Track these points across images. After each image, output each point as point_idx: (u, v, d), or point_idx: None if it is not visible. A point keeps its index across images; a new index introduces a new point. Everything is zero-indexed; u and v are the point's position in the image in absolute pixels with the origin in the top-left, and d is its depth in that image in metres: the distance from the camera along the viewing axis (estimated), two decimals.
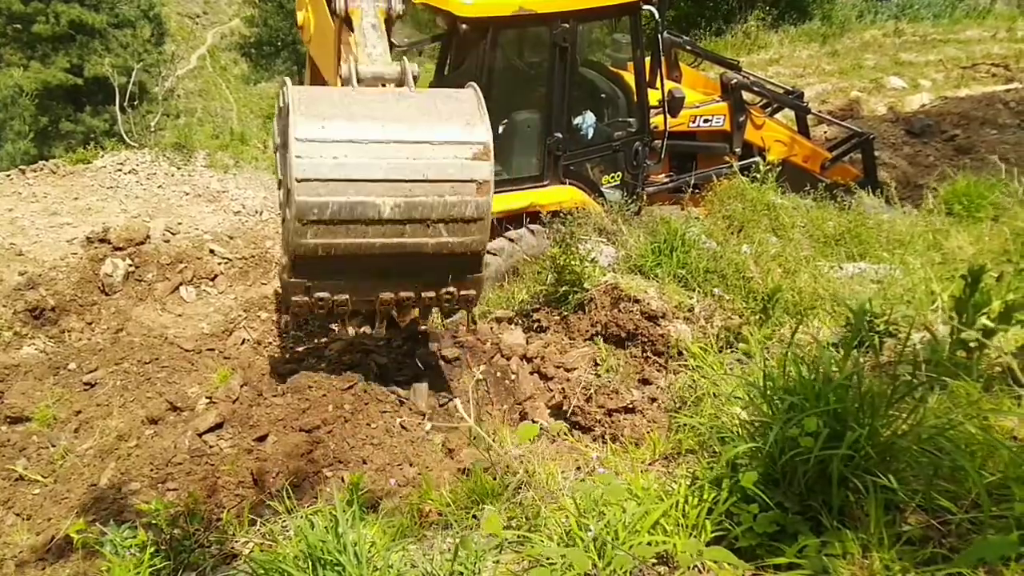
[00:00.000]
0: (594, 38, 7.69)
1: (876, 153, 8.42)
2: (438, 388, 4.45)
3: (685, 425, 3.16)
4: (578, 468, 3.15)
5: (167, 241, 6.98)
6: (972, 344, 2.63)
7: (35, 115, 24.73)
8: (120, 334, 5.84)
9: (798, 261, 4.96)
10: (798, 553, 2.04)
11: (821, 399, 2.19)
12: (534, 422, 4.13)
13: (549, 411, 4.25)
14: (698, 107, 6.92)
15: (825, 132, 10.12)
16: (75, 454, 4.29)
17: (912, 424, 2.13)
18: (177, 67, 35.06)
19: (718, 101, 7.06)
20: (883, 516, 1.98)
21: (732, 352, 3.83)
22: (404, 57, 4.00)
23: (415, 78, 3.83)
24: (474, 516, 2.86)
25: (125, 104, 23.51)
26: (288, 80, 3.76)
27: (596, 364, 4.28)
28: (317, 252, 3.67)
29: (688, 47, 7.70)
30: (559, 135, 5.92)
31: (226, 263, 6.89)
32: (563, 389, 4.22)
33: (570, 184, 6.10)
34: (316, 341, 5.05)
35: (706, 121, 6.95)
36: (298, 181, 3.46)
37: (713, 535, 2.21)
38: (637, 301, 4.31)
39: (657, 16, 6.17)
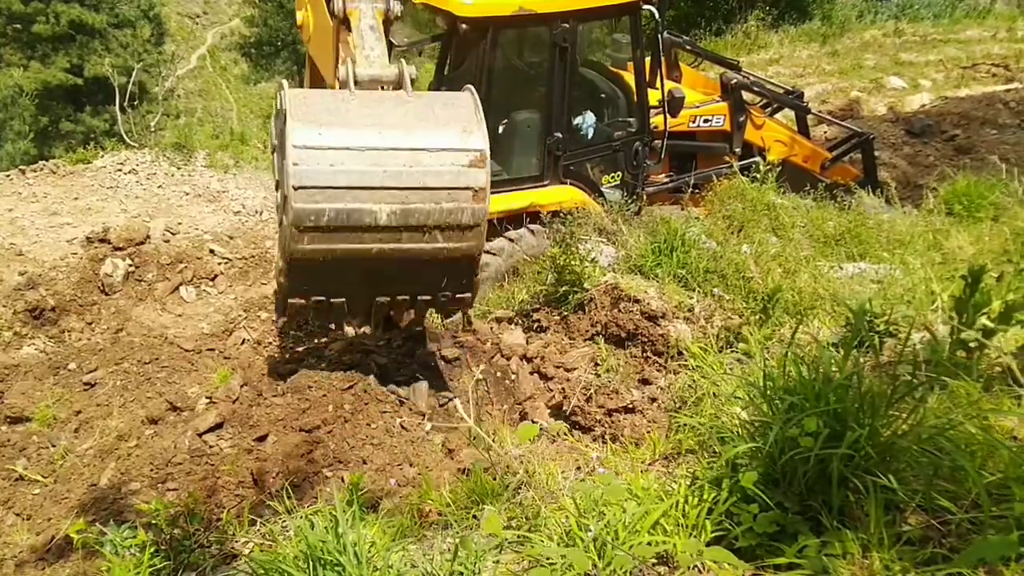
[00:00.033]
0: (594, 38, 7.69)
1: (876, 153, 8.42)
2: (438, 388, 4.44)
3: (685, 425, 3.16)
4: (578, 468, 3.15)
5: (167, 241, 6.98)
6: (972, 344, 2.63)
7: (35, 115, 24.73)
8: (120, 334, 5.83)
9: (798, 261, 4.96)
10: (798, 553, 2.04)
11: (821, 399, 2.19)
12: (534, 422, 4.13)
13: (549, 411, 4.25)
14: (698, 107, 6.92)
15: (825, 132, 10.12)
16: (75, 454, 4.28)
17: (912, 424, 2.13)
18: (177, 67, 35.05)
19: (718, 101, 7.06)
20: (883, 516, 1.98)
21: (732, 352, 3.83)
22: (402, 59, 4.01)
23: (413, 80, 3.83)
24: (474, 516, 2.86)
25: (125, 104, 23.50)
26: (285, 83, 3.76)
27: (596, 364, 4.28)
28: (313, 257, 3.69)
29: (688, 47, 7.70)
30: (559, 135, 5.92)
31: (226, 263, 6.89)
32: (563, 389, 4.22)
33: (570, 184, 6.10)
34: (316, 341, 5.05)
35: (706, 121, 6.95)
36: (295, 189, 3.47)
37: (713, 535, 2.21)
38: (637, 301, 4.31)
39: (657, 16, 6.17)
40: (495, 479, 3.08)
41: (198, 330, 5.92)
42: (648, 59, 6.47)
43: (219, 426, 4.05)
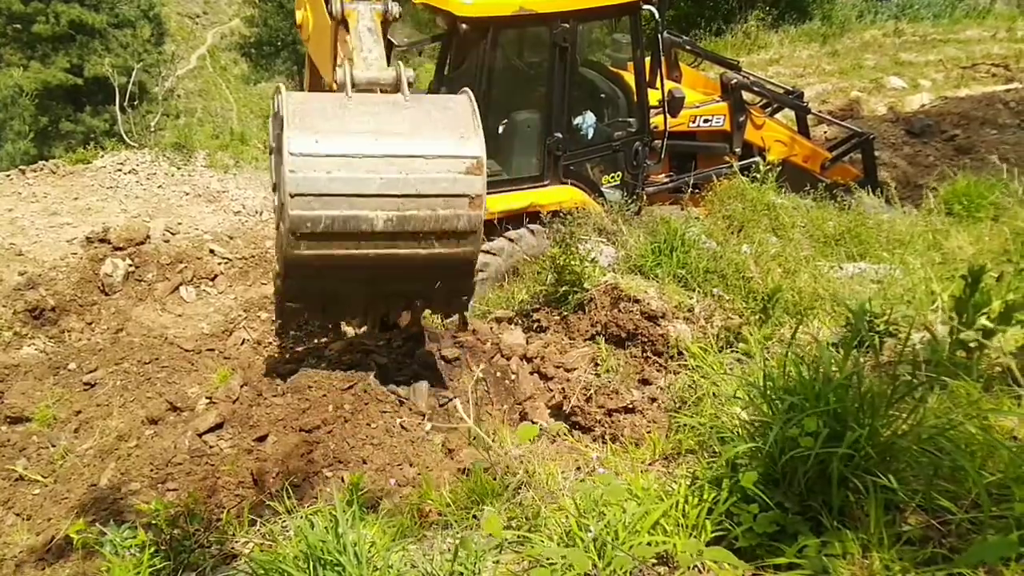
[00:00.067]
0: (594, 38, 7.70)
1: (876, 153, 8.42)
2: (438, 388, 4.44)
3: (685, 425, 3.16)
4: (578, 468, 3.15)
5: (167, 241, 6.98)
6: (972, 344, 2.63)
7: (35, 115, 24.74)
8: (120, 334, 5.84)
9: (798, 261, 4.96)
10: (798, 553, 2.04)
11: (821, 399, 2.19)
12: (534, 422, 4.13)
13: (549, 411, 4.25)
14: (698, 107, 6.92)
15: (825, 132, 10.12)
16: (75, 454, 4.29)
17: (912, 424, 2.13)
18: (177, 67, 35.06)
19: (718, 101, 7.06)
20: (883, 516, 1.98)
21: (732, 352, 3.83)
22: (400, 62, 4.01)
23: (410, 83, 3.83)
24: (474, 516, 2.86)
25: (125, 104, 23.50)
26: (283, 87, 3.77)
27: (596, 364, 4.28)
28: (310, 262, 3.72)
29: (688, 47, 7.71)
30: (559, 135, 5.93)
31: (226, 263, 6.89)
32: (563, 389, 4.22)
33: (570, 184, 6.10)
34: (316, 341, 5.05)
35: (706, 121, 6.95)
36: (291, 196, 3.49)
37: (713, 535, 2.21)
38: (637, 301, 4.31)
39: (657, 16, 6.17)
40: (495, 479, 3.08)
41: (198, 330, 5.93)
42: (648, 59, 6.47)
43: (219, 426, 4.05)
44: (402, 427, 4.08)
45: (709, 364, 3.70)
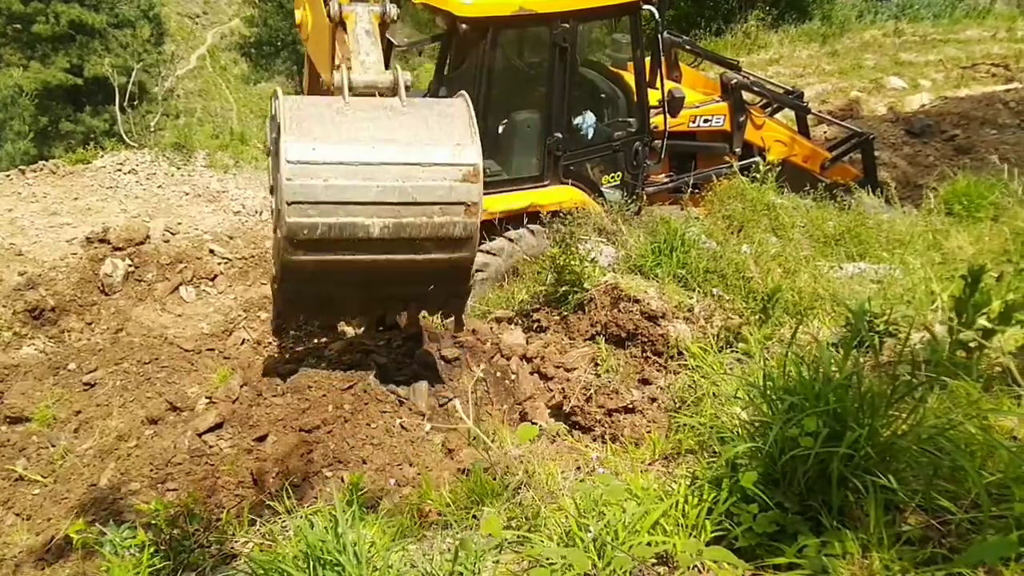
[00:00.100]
0: (594, 38, 7.70)
1: (876, 153, 8.42)
2: (438, 388, 4.44)
3: (685, 425, 3.16)
4: (578, 468, 3.15)
5: (167, 241, 6.98)
6: (972, 344, 2.63)
7: (35, 115, 24.74)
8: (120, 334, 5.84)
9: (798, 261, 4.96)
10: (798, 553, 2.04)
11: (821, 399, 2.19)
12: (534, 423, 4.13)
13: (549, 411, 4.25)
14: (698, 107, 6.92)
15: (825, 132, 10.12)
16: (75, 454, 4.28)
17: (912, 424, 2.13)
18: (177, 67, 35.06)
19: (718, 101, 7.06)
20: (883, 516, 1.98)
21: (732, 352, 3.83)
22: (397, 66, 4.02)
23: (407, 87, 3.83)
24: (474, 516, 2.86)
25: (125, 104, 23.53)
26: (280, 91, 3.78)
27: (596, 364, 4.28)
28: (306, 267, 3.76)
29: (688, 47, 7.70)
30: (559, 135, 5.92)
31: (226, 263, 6.89)
32: (563, 389, 4.22)
33: (570, 184, 6.10)
34: (316, 341, 5.05)
35: (706, 121, 6.95)
36: (288, 204, 3.51)
37: (713, 535, 2.21)
38: (637, 301, 4.31)
39: (657, 16, 6.17)
40: (495, 479, 3.08)
41: (198, 330, 5.93)
42: (648, 59, 6.47)
43: (219, 426, 4.05)
44: (402, 427, 4.08)
45: (709, 364, 3.70)
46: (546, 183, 6.03)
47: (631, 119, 6.40)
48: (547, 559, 2.15)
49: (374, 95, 3.85)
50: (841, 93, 12.33)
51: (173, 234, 7.13)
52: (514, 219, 5.87)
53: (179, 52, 36.87)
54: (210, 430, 4.03)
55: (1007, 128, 10.55)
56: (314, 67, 5.23)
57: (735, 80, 7.05)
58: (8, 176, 8.27)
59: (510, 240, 5.80)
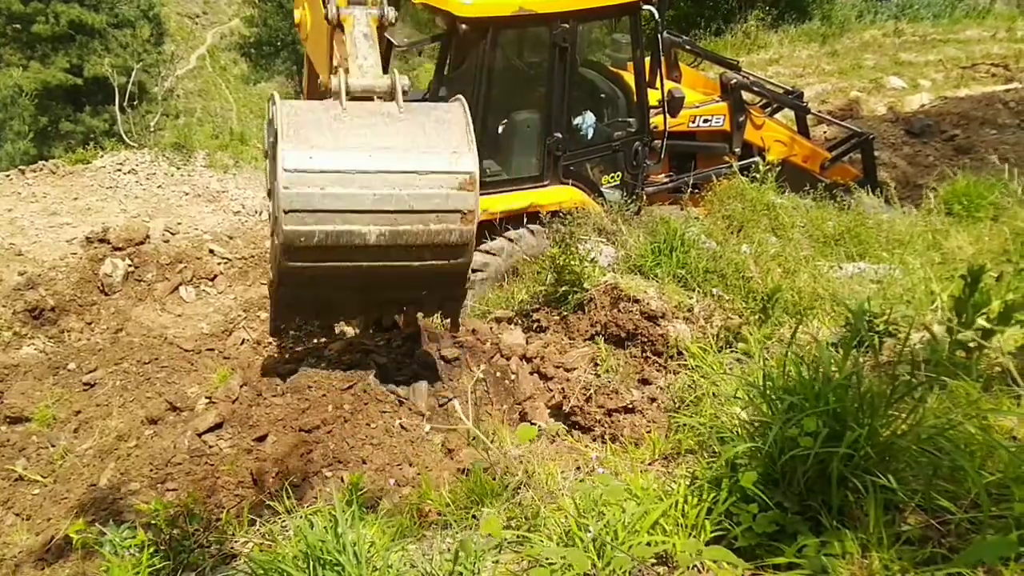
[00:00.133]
0: (594, 38, 7.69)
1: (876, 153, 8.42)
2: (438, 388, 4.45)
3: (685, 425, 3.16)
4: (578, 468, 3.15)
5: (167, 241, 6.99)
6: (971, 344, 2.63)
7: (35, 115, 24.74)
8: (120, 334, 5.84)
9: (798, 261, 4.96)
10: (797, 553, 2.04)
11: (820, 399, 2.19)
12: (533, 423, 4.13)
13: (549, 411, 4.25)
14: (698, 107, 6.92)
15: (825, 132, 10.13)
16: (75, 454, 4.29)
17: (911, 424, 2.13)
18: (177, 67, 35.06)
19: (718, 101, 7.06)
20: (882, 516, 1.98)
21: (732, 352, 3.83)
22: (395, 69, 4.03)
23: (405, 91, 3.84)
24: (473, 516, 2.86)
25: (125, 104, 23.53)
26: (277, 96, 3.79)
27: (596, 364, 4.28)
28: (304, 273, 3.80)
29: (688, 47, 7.70)
30: (559, 135, 5.92)
31: (226, 263, 6.89)
32: (563, 389, 4.22)
33: (570, 184, 6.10)
34: (316, 341, 5.05)
35: (706, 121, 6.95)
36: (285, 212, 3.54)
37: (712, 535, 2.21)
38: (637, 301, 4.31)
39: (657, 16, 6.17)
40: (495, 479, 3.08)
41: (198, 330, 5.93)
42: (648, 59, 6.47)
43: (219, 426, 4.05)
44: (402, 427, 4.09)
45: (709, 364, 3.71)
46: (546, 183, 6.03)
47: (631, 119, 6.40)
48: (547, 559, 2.15)
49: (372, 99, 3.86)
50: (841, 93, 12.33)
51: (173, 234, 7.13)
52: (514, 219, 5.87)
53: (179, 52, 36.87)
54: (210, 430, 4.03)
55: (1007, 128, 10.56)
56: (313, 67, 5.23)
57: (735, 80, 7.05)
58: (8, 176, 8.27)
59: (510, 240, 5.80)
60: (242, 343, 5.50)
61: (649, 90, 6.39)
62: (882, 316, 3.15)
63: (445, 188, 3.65)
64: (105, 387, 4.79)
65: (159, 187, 8.18)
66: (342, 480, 3.63)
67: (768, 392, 2.38)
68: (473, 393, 4.34)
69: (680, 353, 4.07)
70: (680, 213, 5.95)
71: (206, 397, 4.43)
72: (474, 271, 5.58)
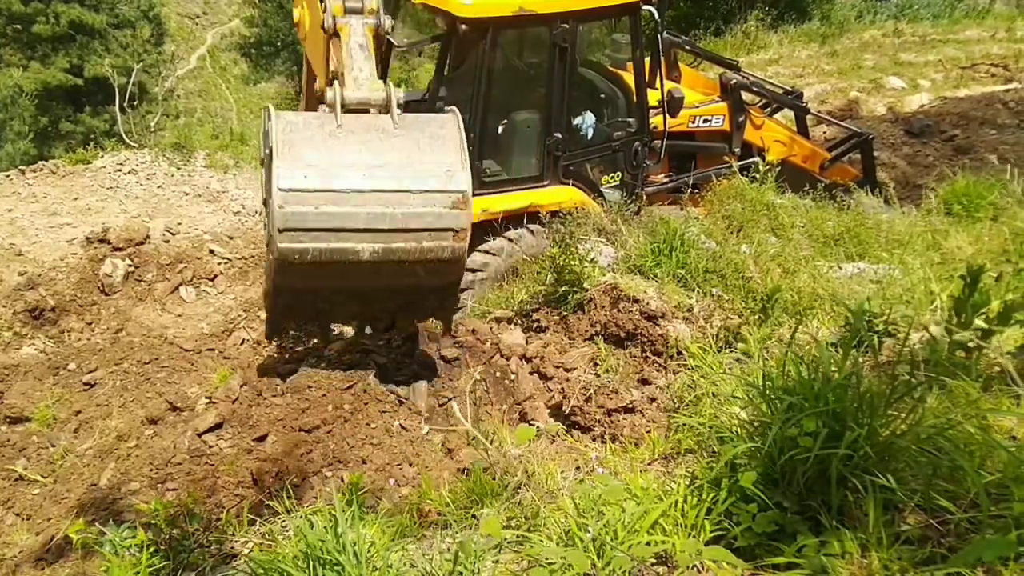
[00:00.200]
0: (594, 38, 7.69)
1: (875, 153, 8.41)
2: (438, 388, 4.45)
3: (684, 425, 3.16)
4: (577, 468, 3.15)
5: (167, 241, 6.99)
6: (970, 344, 2.63)
7: (35, 115, 24.72)
8: (120, 334, 5.84)
9: (797, 261, 4.96)
10: (797, 553, 2.04)
11: (820, 399, 2.20)
12: (533, 423, 4.14)
13: (549, 411, 4.25)
14: (697, 107, 6.92)
15: (824, 132, 10.12)
16: (75, 454, 4.29)
17: (911, 424, 2.13)
18: (177, 67, 35.05)
19: (717, 101, 7.06)
20: (882, 516, 1.98)
21: (731, 352, 3.83)
22: (390, 82, 4.05)
23: (400, 104, 3.86)
24: (473, 516, 2.86)
25: (125, 104, 23.52)
26: (271, 107, 3.81)
27: (596, 364, 4.28)
28: (298, 287, 3.91)
29: (687, 47, 7.70)
30: (559, 135, 5.92)
31: (226, 263, 6.89)
32: (563, 389, 4.22)
33: (570, 184, 6.10)
34: (316, 341, 5.05)
35: (705, 121, 6.95)
36: (280, 231, 3.60)
37: (712, 535, 2.21)
38: (636, 301, 4.31)
39: (656, 16, 6.16)
40: (494, 479, 3.08)
41: (198, 330, 5.93)
42: (648, 59, 6.47)
43: (219, 426, 4.06)
44: (402, 427, 4.09)
45: (708, 364, 3.71)
46: (546, 183, 6.03)
47: (631, 119, 6.40)
48: (546, 559, 2.15)
49: (367, 111, 3.87)
50: (840, 93, 12.33)
51: (173, 234, 7.13)
52: (514, 219, 5.86)
53: (179, 52, 36.87)
54: (210, 430, 4.03)
55: (1006, 128, 10.56)
56: (312, 67, 5.23)
57: (734, 80, 7.05)
58: (8, 176, 8.27)
59: (510, 240, 5.79)
60: (242, 343, 5.50)
61: (649, 90, 6.39)
62: (881, 316, 3.16)
63: (438, 207, 3.71)
64: (105, 387, 4.79)
65: (159, 187, 8.18)
66: (342, 480, 3.63)
67: (768, 392, 2.38)
68: (473, 393, 4.34)
69: (680, 353, 4.07)
70: (680, 213, 5.95)
71: (206, 397, 4.44)
72: (474, 271, 5.58)
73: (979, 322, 2.62)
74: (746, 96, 7.25)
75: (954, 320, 2.70)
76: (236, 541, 3.16)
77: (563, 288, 4.65)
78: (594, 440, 3.93)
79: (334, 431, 3.95)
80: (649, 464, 3.09)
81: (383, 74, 5.76)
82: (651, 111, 6.36)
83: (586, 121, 6.27)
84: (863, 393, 2.20)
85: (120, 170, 8.36)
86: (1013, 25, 14.85)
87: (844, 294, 4.28)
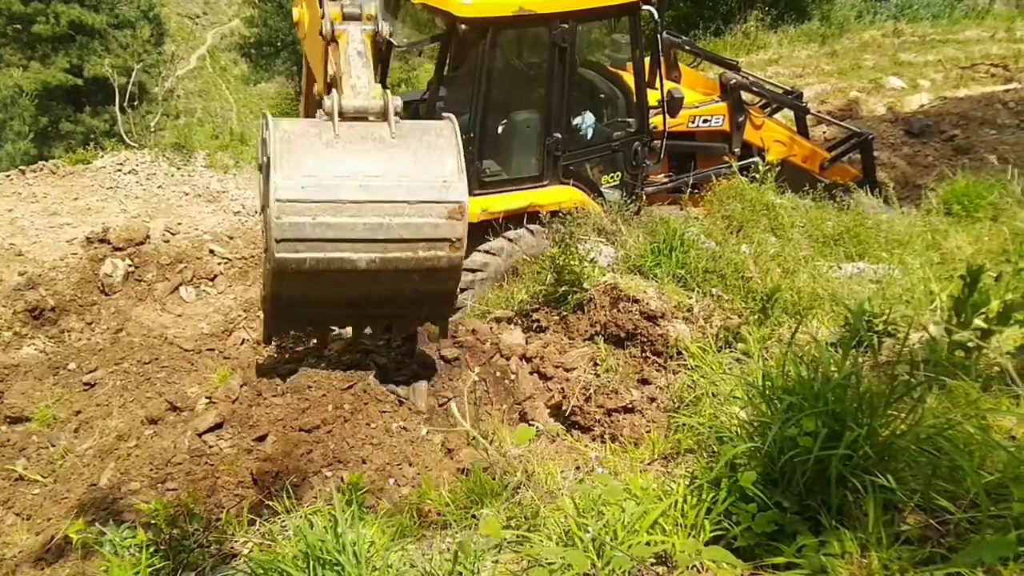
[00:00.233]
0: (593, 38, 7.69)
1: (875, 153, 8.41)
2: (437, 388, 4.45)
3: (684, 425, 3.17)
4: (577, 468, 3.15)
5: (167, 241, 6.99)
6: (970, 344, 2.63)
7: (35, 115, 24.71)
8: (120, 334, 5.84)
9: (797, 261, 4.96)
10: (796, 552, 2.04)
11: (820, 399, 2.20)
12: (533, 423, 4.14)
13: (548, 411, 4.26)
14: (697, 107, 6.92)
15: (824, 132, 10.13)
16: (75, 454, 4.29)
17: (910, 424, 2.14)
18: (177, 67, 35.05)
19: (717, 101, 7.06)
20: (881, 516, 1.98)
21: (731, 352, 3.83)
22: (387, 91, 4.05)
23: (397, 112, 3.87)
24: (473, 516, 2.86)
25: (125, 104, 23.51)
26: (269, 116, 3.83)
27: (595, 364, 4.28)
28: (294, 295, 3.95)
29: (687, 47, 7.70)
30: (558, 135, 5.93)
31: (226, 263, 6.90)
32: (562, 389, 4.22)
33: (570, 184, 6.10)
34: (315, 342, 5.05)
35: (705, 121, 6.95)
36: (277, 241, 3.63)
37: (712, 535, 2.21)
38: (636, 301, 4.31)
39: (656, 16, 6.16)
40: (494, 479, 3.08)
41: (198, 330, 5.93)
42: (647, 59, 6.47)
43: (219, 426, 4.05)
44: (402, 427, 4.09)
45: (708, 364, 3.71)
46: (545, 183, 6.03)
47: (630, 119, 6.40)
48: (546, 559, 2.15)
49: (365, 119, 3.88)
50: (840, 93, 12.33)
51: (173, 234, 7.13)
52: (514, 219, 5.87)
53: (179, 52, 36.87)
54: (210, 430, 4.03)
55: (1006, 128, 10.56)
56: (311, 68, 5.23)
57: (734, 80, 7.05)
58: (8, 176, 8.27)
59: (510, 240, 5.80)
60: (242, 343, 5.50)
61: (648, 90, 6.39)
62: (881, 316, 3.16)
63: (435, 217, 3.74)
64: (105, 387, 4.79)
65: (159, 187, 8.18)
66: (342, 480, 3.63)
67: (767, 392, 2.38)
68: (473, 393, 4.34)
69: (680, 353, 4.07)
70: (680, 213, 5.95)
71: (206, 397, 4.44)
72: (474, 271, 5.59)
73: (979, 322, 2.62)
74: (746, 96, 7.25)
75: (954, 320, 2.70)
76: (236, 541, 3.16)
77: (563, 288, 4.65)
78: (594, 440, 3.93)
79: (334, 431, 3.95)
80: (649, 464, 3.09)
81: (383, 75, 5.77)
82: (651, 111, 6.36)
83: (586, 121, 6.28)
84: (863, 393, 2.20)
85: (120, 170, 8.37)
86: (1013, 25, 14.85)
87: (844, 294, 4.28)
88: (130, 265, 6.52)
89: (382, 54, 5.35)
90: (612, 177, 6.42)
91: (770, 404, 2.36)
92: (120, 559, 2.70)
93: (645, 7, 6.09)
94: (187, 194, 8.13)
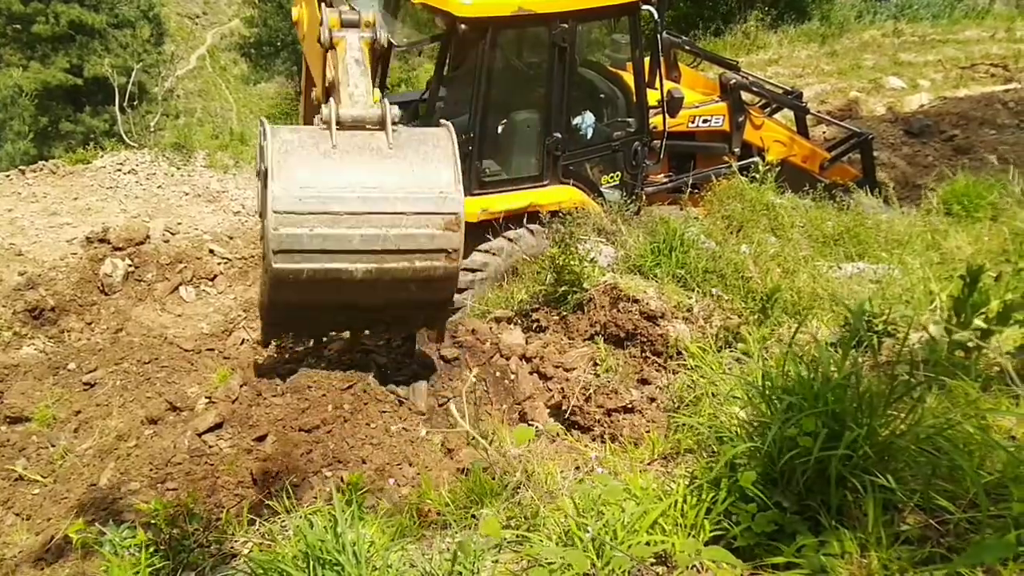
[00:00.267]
0: (593, 38, 7.69)
1: (875, 153, 8.41)
2: (437, 388, 4.45)
3: (684, 425, 3.17)
4: (577, 468, 3.15)
5: (167, 241, 6.99)
6: (970, 344, 2.63)
7: (35, 115, 24.71)
8: (120, 334, 5.84)
9: (797, 261, 4.97)
10: (796, 552, 2.04)
11: (819, 399, 2.20)
12: (532, 423, 4.14)
13: (548, 411, 4.26)
14: (697, 107, 6.92)
15: (824, 132, 10.13)
16: (75, 454, 4.29)
17: (910, 424, 2.14)
18: (177, 67, 35.04)
19: (717, 101, 7.06)
20: (881, 516, 1.98)
21: (731, 352, 3.83)
22: (385, 100, 4.05)
23: (394, 122, 3.88)
24: (473, 516, 2.86)
25: (125, 104, 23.52)
26: (267, 123, 3.83)
27: (595, 364, 4.28)
28: (292, 302, 3.99)
29: (687, 47, 7.70)
30: (558, 135, 5.93)
31: (226, 263, 6.90)
32: (562, 389, 4.22)
33: (570, 184, 6.10)
34: (315, 343, 5.05)
35: (705, 121, 6.95)
36: (275, 252, 3.66)
37: (711, 535, 2.21)
38: (636, 301, 4.31)
39: (656, 16, 6.16)
40: (494, 479, 3.08)
41: (198, 330, 5.93)
42: (647, 59, 6.47)
43: (219, 426, 4.05)
44: (402, 427, 4.09)
45: (708, 364, 3.71)
46: (545, 183, 6.03)
47: (630, 119, 6.40)
48: (546, 559, 2.15)
49: (363, 128, 3.89)
50: (840, 93, 12.33)
51: (173, 234, 7.13)
52: (514, 219, 5.87)
53: (179, 52, 36.86)
54: (210, 430, 4.03)
55: (1006, 128, 10.56)
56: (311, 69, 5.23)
57: (734, 80, 7.05)
58: (8, 176, 8.27)
59: (510, 240, 5.80)
60: (242, 343, 5.50)
61: (648, 90, 6.39)
62: (881, 316, 3.16)
63: (431, 228, 3.77)
64: (105, 387, 4.79)
65: (159, 187, 8.19)
66: (342, 480, 3.63)
67: (767, 392, 2.38)
68: (472, 393, 4.34)
69: (679, 353, 4.07)
70: (679, 213, 5.95)
71: (206, 397, 4.44)
72: (474, 271, 5.59)
73: (978, 322, 2.62)
74: (746, 96, 7.25)
75: (953, 320, 2.70)
76: (236, 541, 3.16)
77: (563, 288, 4.65)
78: (594, 440, 3.93)
79: (334, 431, 3.95)
80: (649, 464, 3.09)
81: (383, 75, 5.77)
82: (651, 111, 6.36)
83: (586, 121, 6.27)
84: (862, 393, 2.20)
85: (120, 170, 8.37)
86: (1013, 25, 14.85)
87: (844, 294, 4.28)
88: (130, 265, 6.52)
89: (382, 55, 5.35)
90: (612, 177, 6.42)
91: (770, 404, 2.36)
92: (120, 559, 2.70)
93: (645, 7, 6.09)
94: (187, 194, 8.14)
